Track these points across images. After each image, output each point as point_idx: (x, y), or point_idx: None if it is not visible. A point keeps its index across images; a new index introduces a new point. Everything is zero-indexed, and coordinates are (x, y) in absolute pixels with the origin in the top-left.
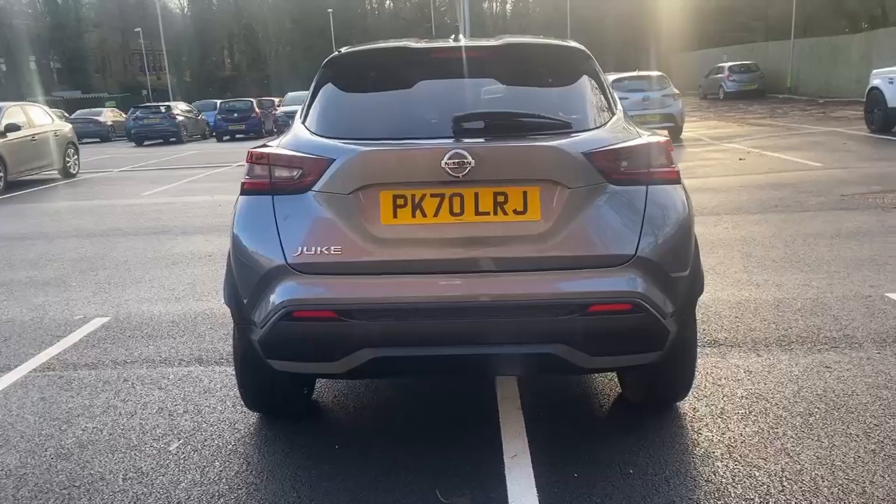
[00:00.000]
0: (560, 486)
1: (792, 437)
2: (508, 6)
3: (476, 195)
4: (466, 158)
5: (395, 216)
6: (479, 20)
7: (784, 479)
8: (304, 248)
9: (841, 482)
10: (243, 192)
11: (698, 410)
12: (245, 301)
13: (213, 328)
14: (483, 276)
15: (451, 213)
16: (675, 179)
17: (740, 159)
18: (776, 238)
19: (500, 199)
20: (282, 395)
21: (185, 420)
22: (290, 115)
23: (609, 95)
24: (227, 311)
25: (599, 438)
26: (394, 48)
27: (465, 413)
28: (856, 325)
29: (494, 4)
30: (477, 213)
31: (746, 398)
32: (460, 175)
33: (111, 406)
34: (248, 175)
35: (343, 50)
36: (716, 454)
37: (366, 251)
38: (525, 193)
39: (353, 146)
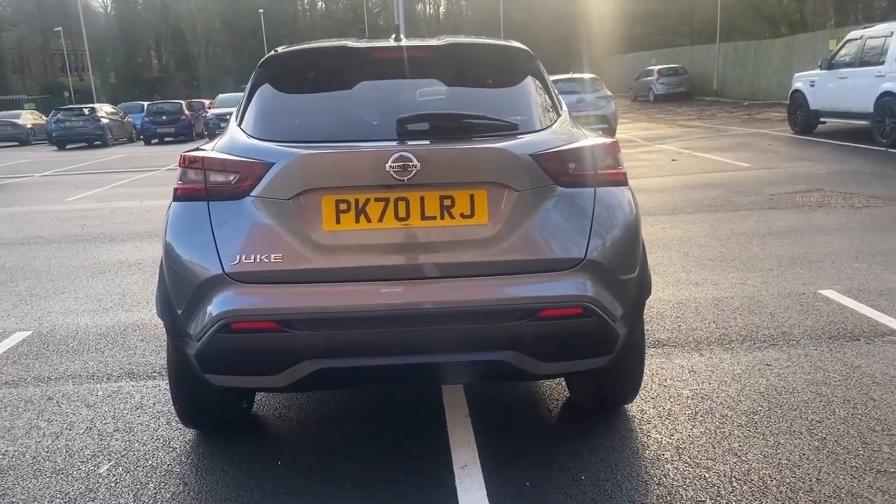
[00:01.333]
0: (512, 496)
1: (738, 436)
2: (442, 9)
3: (422, 199)
4: (411, 161)
5: (337, 222)
6: (413, 21)
7: (733, 479)
8: (243, 257)
9: (788, 481)
10: (176, 198)
11: (646, 412)
12: (179, 312)
13: (144, 340)
14: (430, 282)
15: (397, 217)
16: (622, 181)
17: (673, 160)
18: (711, 237)
19: (447, 202)
20: (219, 410)
21: (116, 440)
22: (222, 118)
23: (554, 96)
24: (160, 322)
25: (550, 444)
26: (333, 48)
27: (412, 423)
28: (792, 322)
29: (427, 7)
30: (423, 217)
31: (692, 398)
32: (405, 178)
33: (34, 427)
34: (180, 180)
35: (280, 49)
36: (666, 456)
37: (307, 258)
38: (472, 196)
39: (292, 149)
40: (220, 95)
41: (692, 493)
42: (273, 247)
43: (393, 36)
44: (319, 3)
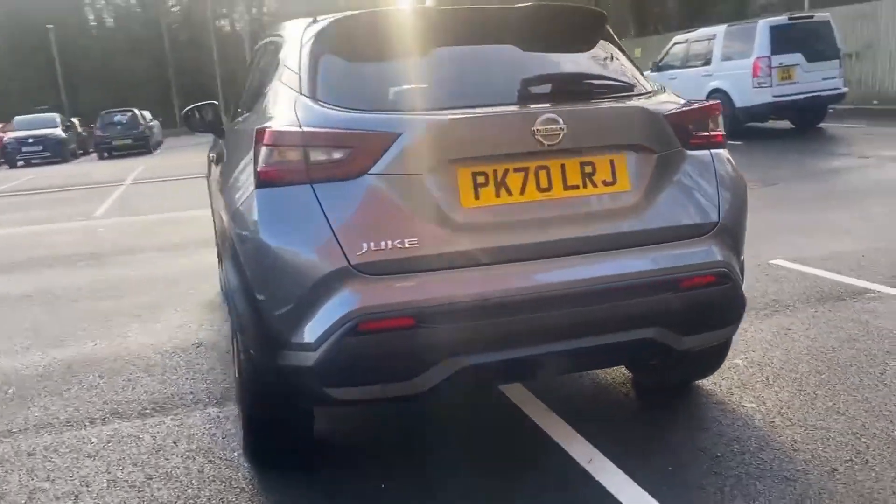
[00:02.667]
0: (665, 482)
1: (825, 395)
2: None
3: (562, 167)
4: (559, 123)
5: (476, 197)
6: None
7: (855, 434)
8: (371, 245)
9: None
10: (261, 183)
11: (719, 385)
12: (280, 320)
13: (104, 376)
14: (576, 258)
15: (539, 188)
16: (724, 143)
17: None
18: None
19: (588, 169)
20: (298, 438)
21: (159, 489)
22: (23, 142)
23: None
24: (116, 353)
25: (653, 424)
26: (415, 9)
27: (500, 431)
28: (773, 289)
29: None
30: (566, 187)
31: (749, 367)
32: (553, 143)
33: (35, 489)
34: (265, 162)
35: (323, 18)
36: (777, 422)
37: (446, 241)
38: (612, 162)
39: (423, 116)
40: (18, 118)
41: (831, 453)
42: (406, 230)
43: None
44: (108, 19)
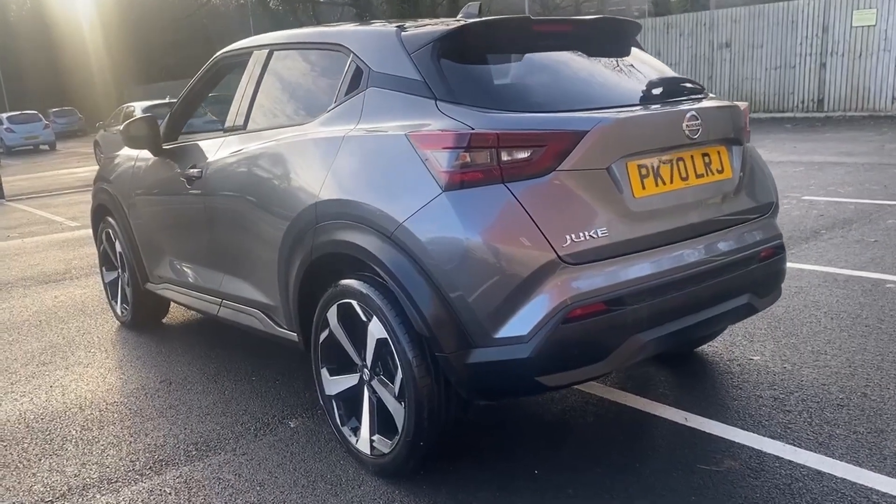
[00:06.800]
0: (744, 420)
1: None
2: None
3: (692, 158)
4: (698, 120)
5: (643, 187)
6: None
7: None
8: (572, 237)
9: None
10: (453, 186)
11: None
12: (479, 318)
13: (87, 428)
14: (709, 238)
15: (681, 177)
16: None
17: None
18: None
19: (706, 159)
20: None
21: None
22: None
23: None
24: (89, 399)
25: (768, 389)
26: (526, 19)
27: (596, 420)
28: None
29: None
30: (696, 175)
31: (778, 321)
32: (695, 137)
33: None
34: (454, 165)
35: (469, 22)
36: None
37: (627, 229)
38: (719, 153)
39: (606, 115)
40: None
41: None
42: (597, 221)
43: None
44: None
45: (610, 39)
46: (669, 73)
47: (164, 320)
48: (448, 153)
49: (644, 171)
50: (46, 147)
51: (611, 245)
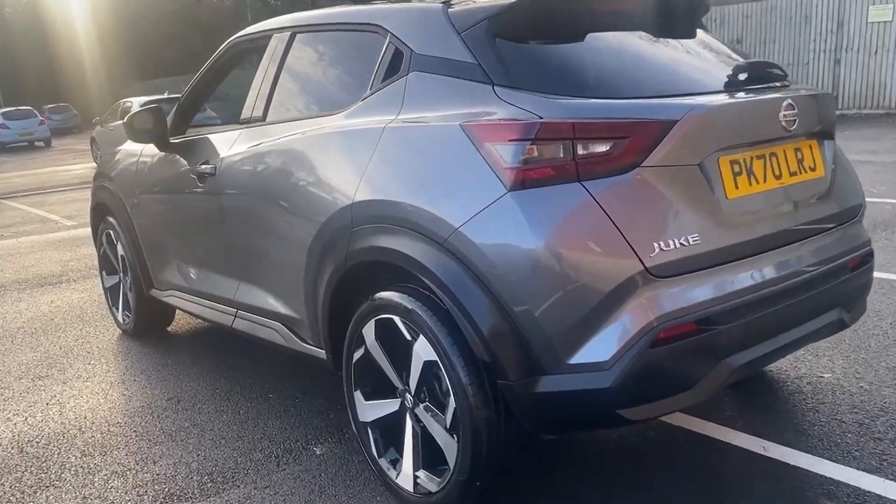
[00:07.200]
0: (824, 447)
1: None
2: None
3: (784, 153)
4: (795, 109)
5: (736, 187)
6: None
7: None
8: (661, 245)
9: None
10: (519, 185)
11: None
12: (550, 340)
13: (87, 453)
14: (804, 244)
15: (774, 175)
16: None
17: None
18: None
19: (799, 155)
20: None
21: None
22: None
23: None
24: (106, 408)
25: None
26: None
27: (657, 449)
28: None
29: None
30: (790, 173)
31: None
32: (792, 129)
33: None
34: (521, 160)
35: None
36: None
37: (720, 236)
38: (811, 147)
39: (694, 101)
40: None
41: None
42: (687, 227)
43: None
44: None
45: (680, 18)
46: (744, 57)
47: (169, 329)
48: (514, 146)
49: (737, 168)
50: (42, 144)
51: (702, 255)
